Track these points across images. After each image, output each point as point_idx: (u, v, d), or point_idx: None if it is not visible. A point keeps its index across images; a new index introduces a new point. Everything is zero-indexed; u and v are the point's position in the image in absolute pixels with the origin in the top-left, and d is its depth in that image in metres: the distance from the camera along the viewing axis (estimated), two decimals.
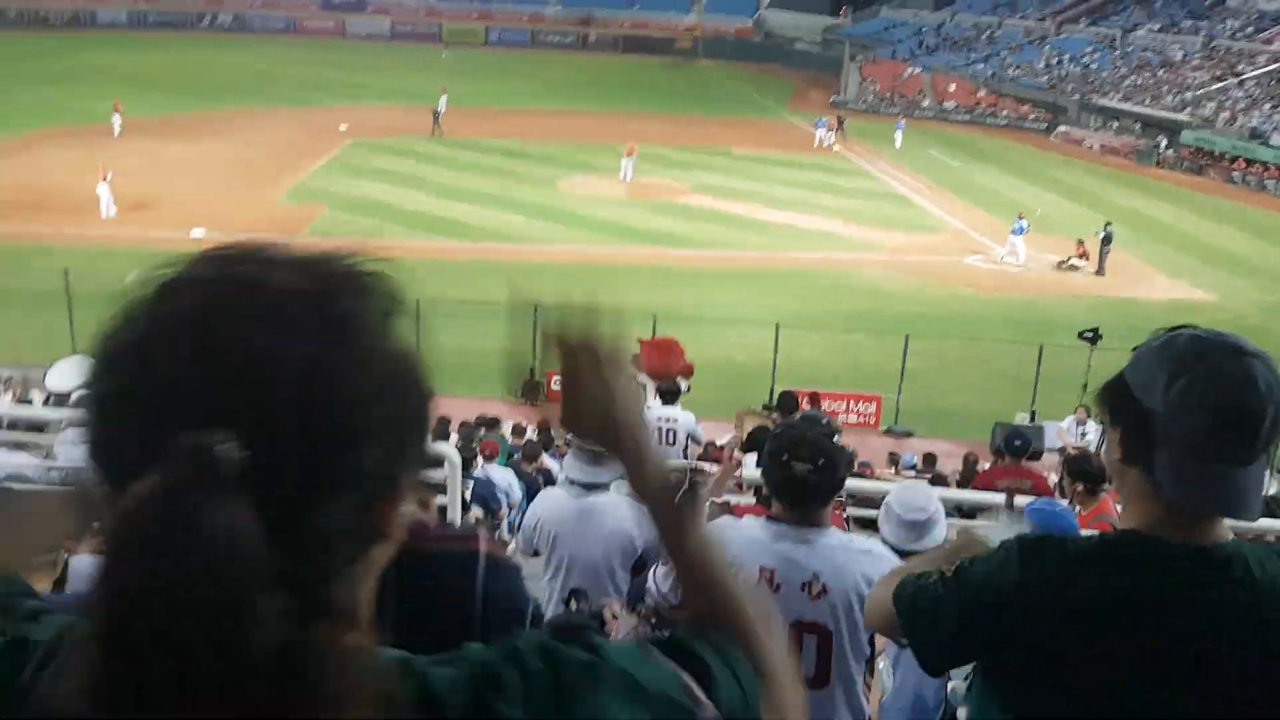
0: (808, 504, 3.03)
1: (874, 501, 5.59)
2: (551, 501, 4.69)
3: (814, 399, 13.66)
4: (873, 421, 17.14)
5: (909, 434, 16.47)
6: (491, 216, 27.48)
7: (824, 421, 3.57)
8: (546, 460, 9.51)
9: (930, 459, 12.66)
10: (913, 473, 10.98)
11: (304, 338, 0.74)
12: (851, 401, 17.23)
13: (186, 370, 0.72)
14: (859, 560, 2.98)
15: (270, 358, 0.73)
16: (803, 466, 2.95)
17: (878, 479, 9.16)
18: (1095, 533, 1.84)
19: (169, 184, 29.11)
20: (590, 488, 4.51)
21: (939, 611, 1.81)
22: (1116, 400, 1.75)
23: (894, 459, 13.00)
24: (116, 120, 34.78)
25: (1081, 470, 5.98)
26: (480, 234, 25.85)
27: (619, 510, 4.43)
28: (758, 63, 63.86)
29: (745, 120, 45.82)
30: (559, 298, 1.07)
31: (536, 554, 4.57)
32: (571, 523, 4.45)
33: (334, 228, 25.96)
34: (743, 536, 3.11)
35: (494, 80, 51.97)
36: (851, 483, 6.77)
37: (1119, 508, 1.80)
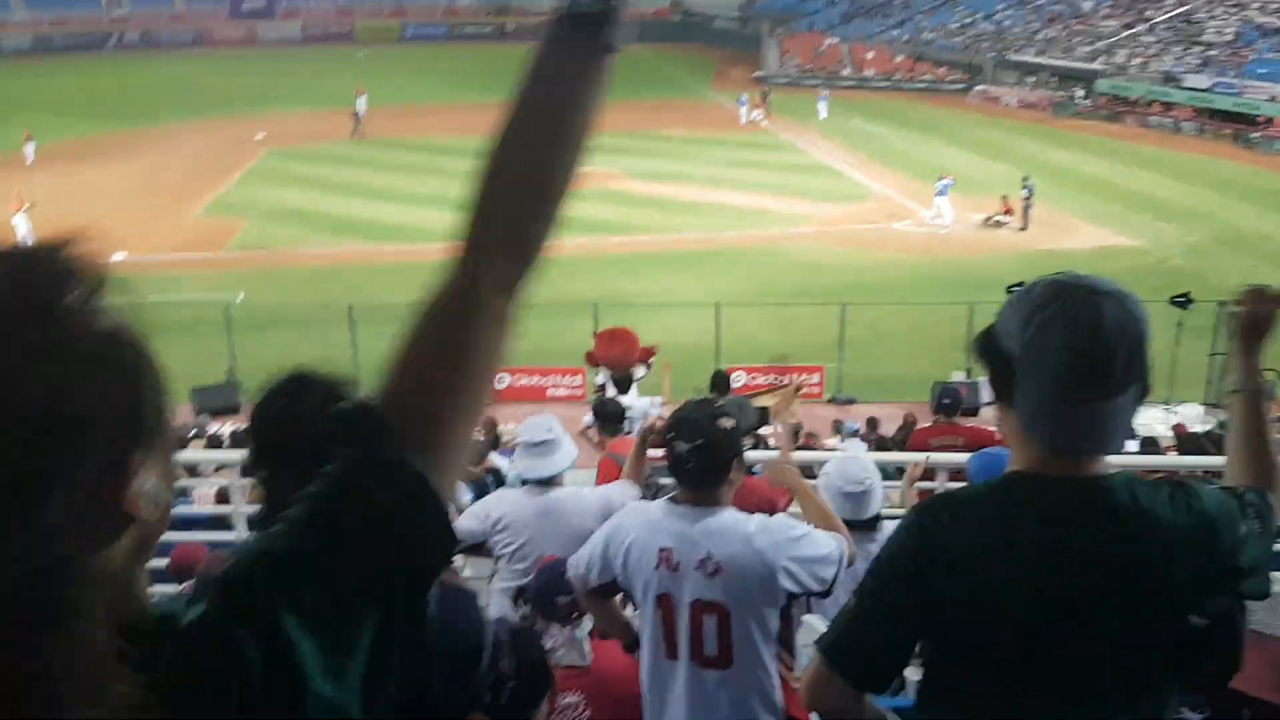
0: (695, 484, 3.07)
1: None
2: (511, 501, 4.58)
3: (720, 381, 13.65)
4: (818, 392, 17.28)
5: (852, 400, 16.65)
6: (420, 216, 27.10)
7: (720, 403, 3.61)
8: (495, 459, 9.31)
9: (873, 423, 12.83)
10: (856, 438, 11.13)
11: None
12: (795, 375, 17.28)
13: None
14: (752, 537, 3.00)
15: None
16: (683, 446, 3.01)
17: (823, 448, 9.22)
18: (985, 480, 1.90)
19: (87, 209, 28.30)
20: (545, 483, 4.46)
21: (884, 623, 1.81)
22: (985, 346, 1.83)
23: (838, 426, 13.15)
24: (29, 149, 33.77)
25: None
26: (411, 235, 25.51)
27: (580, 504, 4.38)
28: (678, 43, 63.69)
29: (671, 103, 45.65)
30: None
31: (475, 550, 4.53)
32: (535, 522, 4.38)
33: (256, 240, 25.50)
34: (644, 519, 3.17)
35: (413, 77, 51.27)
36: (796, 455, 6.80)
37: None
